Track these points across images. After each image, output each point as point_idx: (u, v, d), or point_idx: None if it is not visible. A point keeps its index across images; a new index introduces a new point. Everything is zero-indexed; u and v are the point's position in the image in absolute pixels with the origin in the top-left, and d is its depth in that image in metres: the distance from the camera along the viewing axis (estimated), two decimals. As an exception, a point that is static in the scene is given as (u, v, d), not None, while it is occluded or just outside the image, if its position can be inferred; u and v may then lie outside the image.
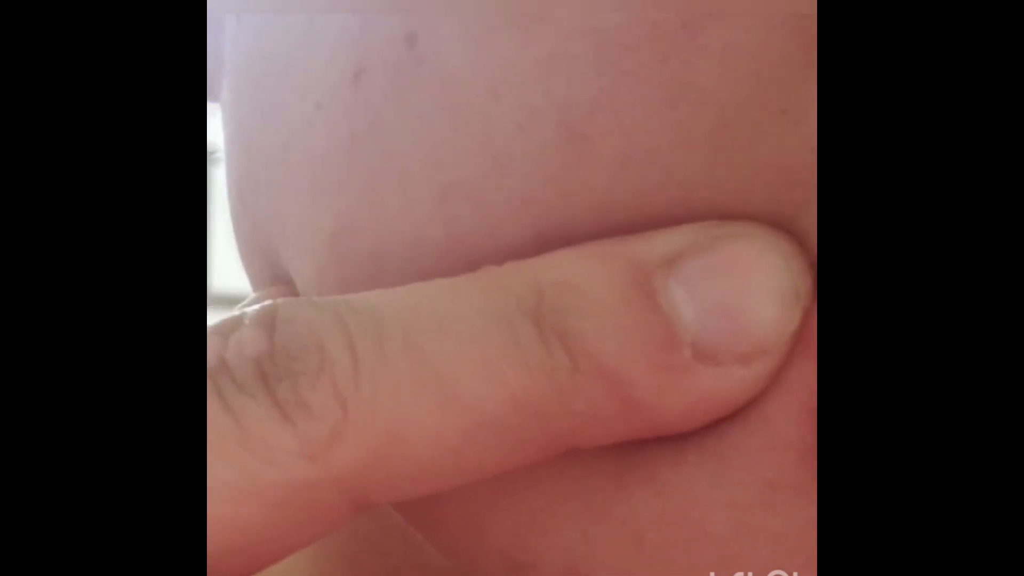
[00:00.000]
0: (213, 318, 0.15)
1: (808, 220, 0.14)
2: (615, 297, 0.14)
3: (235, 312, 0.15)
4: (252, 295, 0.19)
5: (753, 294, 0.14)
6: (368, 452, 0.14)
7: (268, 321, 0.14)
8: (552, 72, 0.15)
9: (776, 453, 0.14)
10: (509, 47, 0.15)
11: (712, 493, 0.15)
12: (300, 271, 0.17)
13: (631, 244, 0.15)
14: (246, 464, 0.14)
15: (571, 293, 0.14)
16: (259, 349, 0.14)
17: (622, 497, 0.15)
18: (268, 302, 0.15)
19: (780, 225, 0.15)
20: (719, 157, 0.14)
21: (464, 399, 0.14)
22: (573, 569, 0.15)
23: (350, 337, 0.14)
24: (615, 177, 0.15)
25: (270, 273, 0.19)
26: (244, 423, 0.14)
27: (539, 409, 0.14)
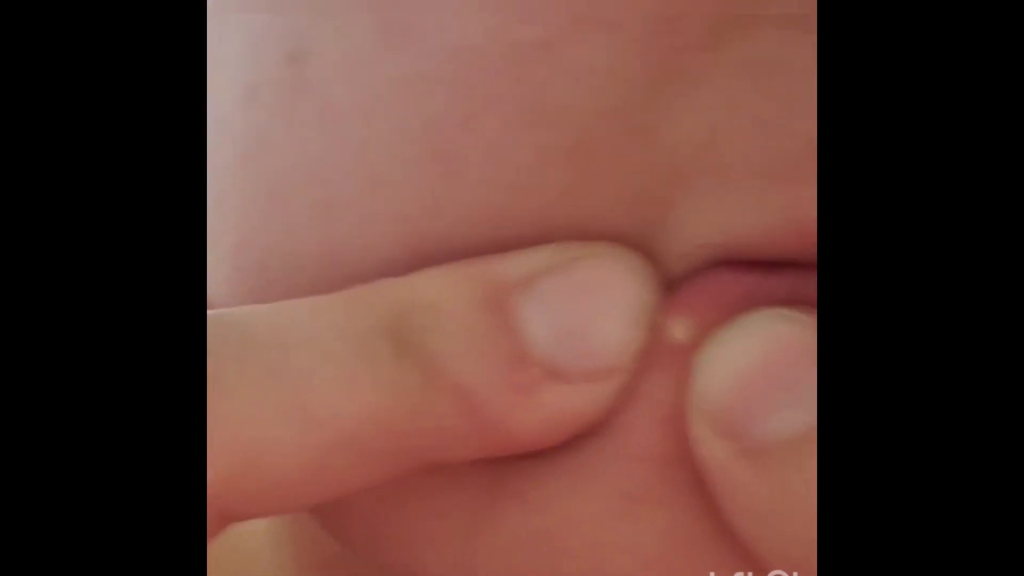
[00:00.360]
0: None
1: (664, 234, 0.15)
2: (470, 316, 0.14)
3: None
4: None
5: (602, 314, 0.14)
6: (226, 467, 0.14)
7: None
8: (420, 92, 0.15)
9: (632, 464, 0.15)
10: (381, 67, 0.15)
11: (572, 508, 0.15)
12: (211, 282, 0.18)
13: (492, 265, 0.15)
14: None
15: (430, 312, 0.15)
16: None
17: (492, 515, 0.15)
18: None
19: (638, 240, 0.15)
20: (579, 176, 0.14)
21: (320, 416, 0.14)
22: None
23: (213, 352, 0.14)
24: (480, 196, 0.15)
25: None
26: None
27: (393, 426, 0.14)
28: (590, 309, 0.14)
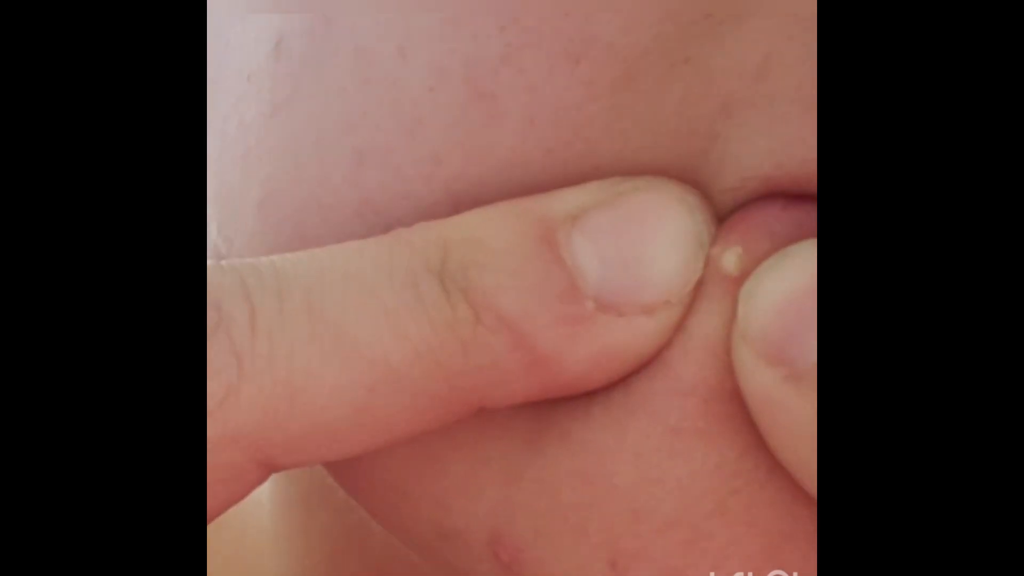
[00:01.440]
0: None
1: (710, 168, 0.14)
2: (518, 251, 0.14)
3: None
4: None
5: (656, 245, 0.14)
6: (265, 408, 0.14)
7: None
8: (457, 30, 0.15)
9: (678, 398, 0.14)
10: (415, 8, 0.15)
11: (618, 445, 0.15)
12: (233, 239, 0.18)
13: (538, 201, 0.15)
14: None
15: (476, 249, 0.14)
16: None
17: (536, 458, 0.15)
18: None
19: (684, 173, 0.15)
20: (624, 110, 0.14)
21: (365, 353, 0.14)
22: (496, 532, 0.15)
23: (248, 294, 0.14)
24: (522, 135, 0.15)
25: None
26: None
27: (442, 363, 0.14)
28: (641, 241, 0.14)
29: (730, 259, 0.14)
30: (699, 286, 0.14)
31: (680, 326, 0.14)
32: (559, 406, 0.15)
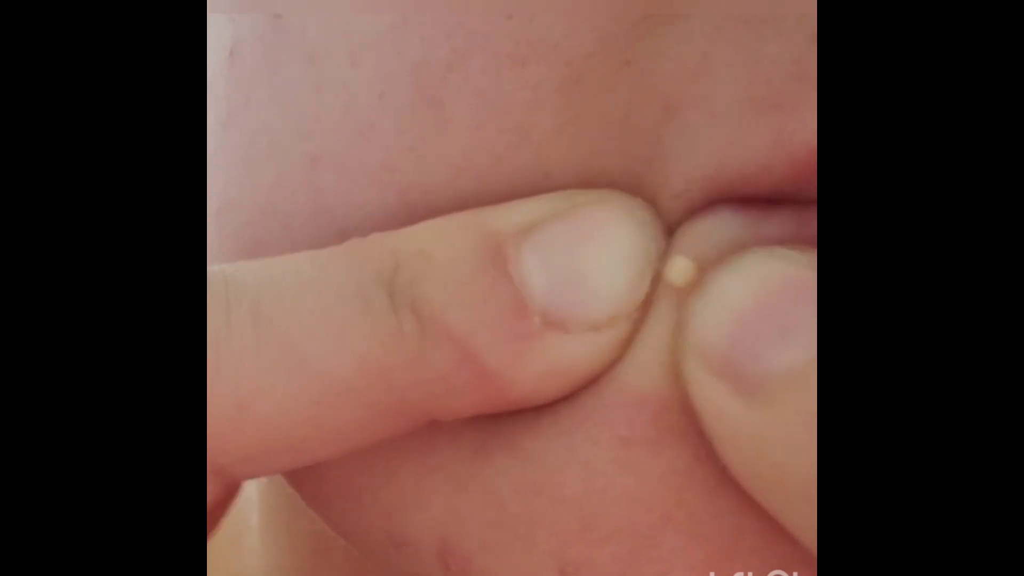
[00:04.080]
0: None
1: (657, 173, 0.14)
2: (467, 265, 0.14)
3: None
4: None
5: (603, 261, 0.14)
6: (216, 421, 0.14)
7: None
8: (405, 36, 0.15)
9: (627, 409, 0.14)
10: (365, 13, 0.15)
11: (567, 456, 0.14)
12: None
13: (491, 214, 0.14)
14: None
15: (426, 263, 0.14)
16: None
17: (484, 468, 0.15)
18: None
19: (632, 179, 0.14)
20: (571, 114, 0.14)
21: (313, 365, 0.14)
22: (445, 542, 0.15)
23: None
24: (471, 141, 0.14)
25: None
26: None
27: (389, 376, 0.14)
28: (590, 257, 0.14)
29: (677, 270, 0.14)
30: (649, 298, 0.14)
31: (629, 337, 0.14)
32: (507, 417, 0.15)
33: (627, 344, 0.14)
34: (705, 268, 0.14)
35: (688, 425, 0.14)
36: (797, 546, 0.14)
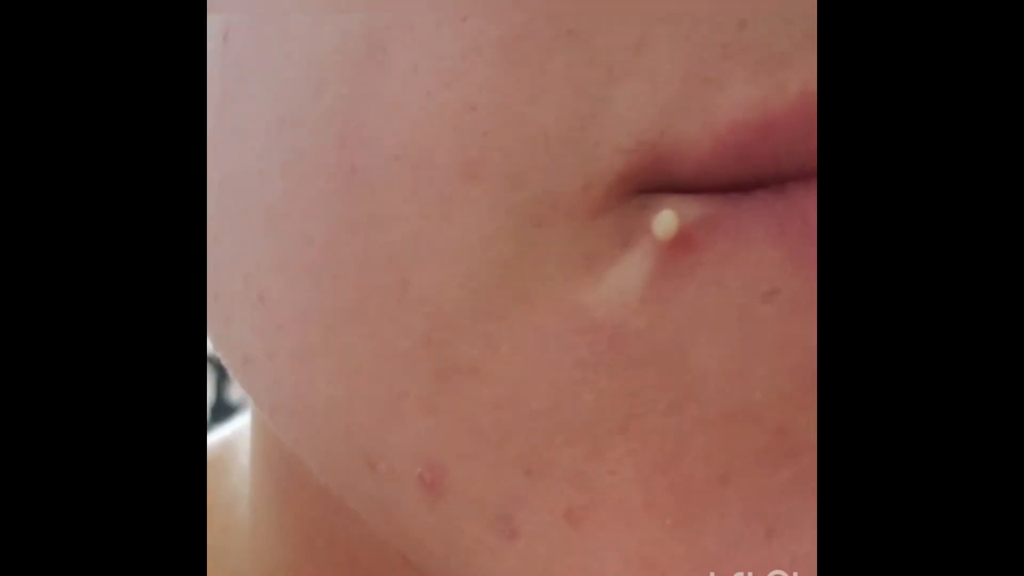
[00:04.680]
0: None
1: (601, 128, 0.15)
2: None
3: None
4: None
5: None
6: None
7: None
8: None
9: (587, 336, 0.15)
10: None
11: (534, 376, 0.15)
12: None
13: None
14: None
15: None
16: None
17: (448, 390, 0.16)
18: None
19: (572, 131, 0.15)
20: (509, 68, 0.15)
21: None
22: (422, 458, 0.16)
23: None
24: (404, 81, 0.15)
25: None
26: None
27: None
28: None
29: (663, 224, 0.15)
30: (625, 244, 0.15)
31: (594, 275, 0.15)
32: (459, 347, 0.16)
33: (590, 276, 0.15)
34: (688, 225, 0.15)
35: (641, 349, 0.15)
36: (797, 546, 0.15)
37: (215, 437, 0.29)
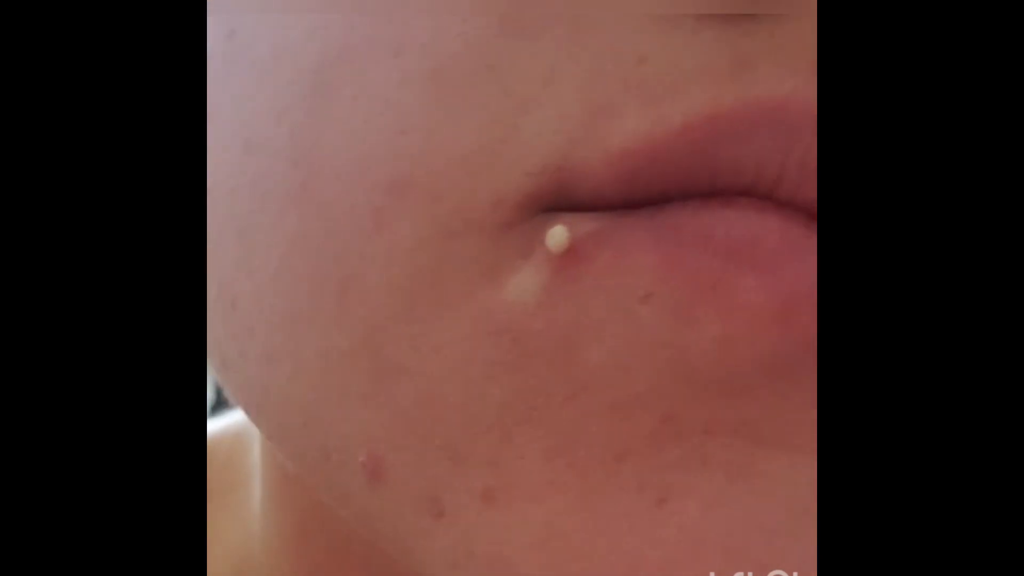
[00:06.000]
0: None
1: (512, 152, 0.17)
2: None
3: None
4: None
5: None
6: None
7: None
8: (313, 33, 0.18)
9: (493, 337, 0.17)
10: (288, 16, 0.18)
11: (450, 373, 0.17)
12: None
13: None
14: None
15: None
16: None
17: (381, 386, 0.18)
18: None
19: (484, 156, 0.17)
20: (434, 98, 0.17)
21: None
22: (362, 448, 0.18)
23: None
24: (350, 111, 0.17)
25: None
26: None
27: None
28: None
29: (555, 238, 0.17)
30: (526, 256, 0.17)
31: (499, 282, 0.17)
32: (390, 348, 0.17)
33: (496, 286, 0.17)
34: (578, 239, 0.17)
35: (539, 348, 0.17)
36: (684, 514, 0.17)
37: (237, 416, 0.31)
